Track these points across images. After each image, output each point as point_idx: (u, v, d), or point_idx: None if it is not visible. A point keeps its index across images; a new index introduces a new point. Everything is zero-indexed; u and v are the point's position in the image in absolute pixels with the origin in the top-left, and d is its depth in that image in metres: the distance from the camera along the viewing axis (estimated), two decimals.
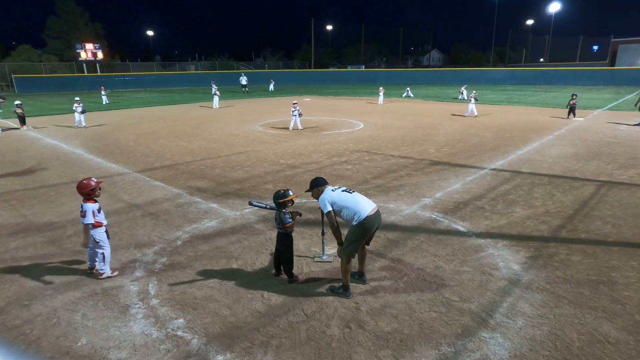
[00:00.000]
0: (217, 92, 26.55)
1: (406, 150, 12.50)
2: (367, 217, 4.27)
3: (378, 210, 4.43)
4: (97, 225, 4.88)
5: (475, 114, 19.99)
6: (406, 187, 8.69)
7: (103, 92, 30.86)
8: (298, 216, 4.86)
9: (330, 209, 4.35)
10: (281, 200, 4.69)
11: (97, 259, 5.00)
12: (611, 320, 4.08)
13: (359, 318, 4.17)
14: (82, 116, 17.92)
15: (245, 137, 15.38)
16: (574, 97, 18.84)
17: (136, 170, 10.58)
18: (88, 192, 4.82)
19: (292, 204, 4.82)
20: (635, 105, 18.61)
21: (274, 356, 3.65)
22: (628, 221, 6.66)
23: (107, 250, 4.96)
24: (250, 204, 4.79)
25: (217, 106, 26.13)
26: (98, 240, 4.88)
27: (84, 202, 4.81)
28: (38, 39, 61.69)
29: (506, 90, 38.93)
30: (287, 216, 4.71)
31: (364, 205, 4.34)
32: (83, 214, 4.77)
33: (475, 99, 20.42)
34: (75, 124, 18.00)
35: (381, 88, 29.35)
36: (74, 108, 18.03)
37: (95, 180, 4.92)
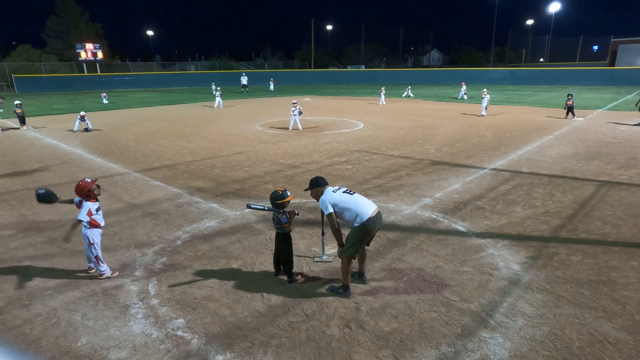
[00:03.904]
0: (218, 92, 26.83)
1: (406, 150, 12.50)
2: (369, 218, 4.26)
3: (379, 211, 4.43)
4: (94, 224, 4.85)
5: (482, 113, 20.06)
6: (406, 187, 8.69)
7: (104, 94, 31.67)
8: (296, 215, 4.86)
9: (331, 210, 4.34)
10: (280, 202, 4.69)
11: (92, 261, 5.00)
12: (611, 320, 4.08)
13: (359, 318, 4.17)
14: (89, 123, 17.18)
15: (245, 137, 15.38)
16: (570, 97, 18.95)
17: (136, 170, 10.58)
18: (87, 193, 4.82)
19: (288, 203, 4.82)
20: (636, 105, 18.61)
21: (274, 356, 3.65)
22: (628, 221, 6.66)
23: (99, 253, 4.95)
24: (249, 207, 4.77)
25: (221, 106, 26.15)
26: (92, 242, 4.86)
27: (85, 201, 4.82)
28: (38, 39, 61.80)
29: (506, 90, 38.92)
30: (285, 216, 4.71)
31: (365, 207, 4.33)
32: (88, 212, 4.77)
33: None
34: (75, 129, 16.93)
35: (383, 88, 29.12)
36: (79, 120, 16.96)
37: (89, 179, 4.90)
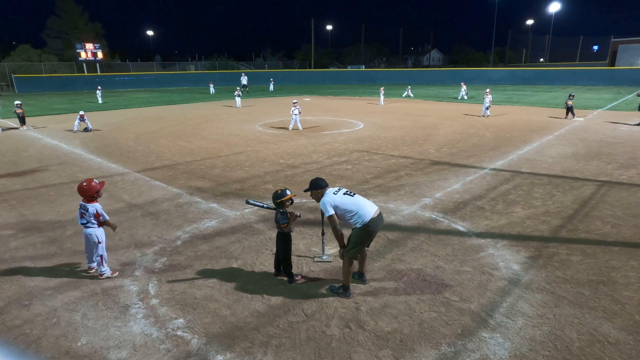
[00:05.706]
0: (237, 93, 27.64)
1: (406, 150, 12.50)
2: (371, 219, 4.26)
3: (380, 212, 4.43)
4: (102, 223, 4.93)
5: (484, 114, 20.05)
6: (406, 187, 8.69)
7: (99, 90, 31.02)
8: (297, 217, 4.85)
9: (332, 212, 4.32)
10: (278, 201, 4.69)
11: (94, 260, 5.00)
12: (611, 320, 4.08)
13: (359, 318, 4.17)
14: (89, 123, 17.18)
15: (245, 137, 15.38)
16: (571, 97, 18.96)
17: (136, 170, 10.58)
18: (93, 195, 4.83)
19: (292, 203, 4.81)
20: (638, 95, 18.71)
21: (274, 356, 3.65)
22: (628, 221, 6.66)
23: (104, 252, 4.98)
24: (247, 202, 4.81)
25: (240, 105, 27.03)
26: (100, 241, 4.90)
27: (88, 203, 4.82)
28: (38, 38, 61.80)
29: (506, 90, 38.91)
30: (283, 217, 4.71)
31: (367, 208, 4.32)
32: (96, 214, 4.83)
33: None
34: (74, 129, 16.90)
35: (382, 88, 29.26)
36: (78, 120, 16.90)
37: (97, 181, 4.92)
